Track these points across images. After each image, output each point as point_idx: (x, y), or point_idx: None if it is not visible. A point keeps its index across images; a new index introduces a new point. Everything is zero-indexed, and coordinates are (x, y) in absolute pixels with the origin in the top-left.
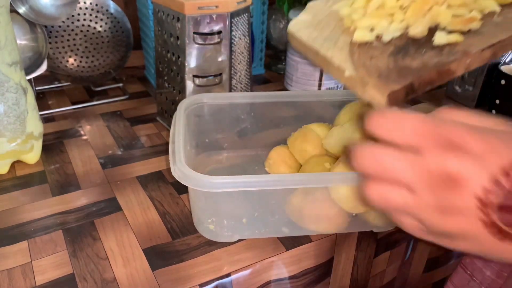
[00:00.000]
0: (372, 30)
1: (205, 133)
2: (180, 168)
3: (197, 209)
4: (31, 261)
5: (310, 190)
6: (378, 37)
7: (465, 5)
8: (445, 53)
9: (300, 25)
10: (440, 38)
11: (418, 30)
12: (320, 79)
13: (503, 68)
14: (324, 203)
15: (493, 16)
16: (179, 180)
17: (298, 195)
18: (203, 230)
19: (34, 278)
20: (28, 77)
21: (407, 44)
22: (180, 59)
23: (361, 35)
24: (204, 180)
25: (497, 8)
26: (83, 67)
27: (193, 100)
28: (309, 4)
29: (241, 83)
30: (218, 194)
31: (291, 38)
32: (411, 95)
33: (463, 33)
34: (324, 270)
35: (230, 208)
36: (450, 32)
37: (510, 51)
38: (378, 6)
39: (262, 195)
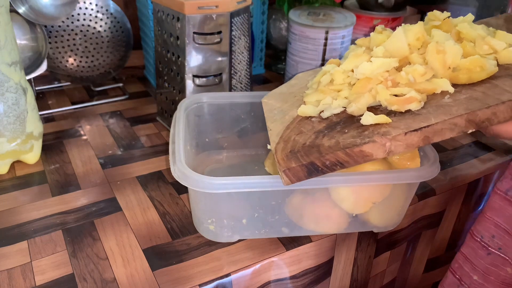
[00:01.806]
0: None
1: (205, 133)
2: (180, 168)
3: (197, 209)
4: (31, 261)
5: (310, 190)
6: (320, 113)
7: (410, 85)
8: (365, 134)
9: (271, 96)
10: (366, 118)
11: (353, 108)
12: None
13: None
14: (324, 203)
15: (445, 96)
16: (179, 181)
17: (298, 195)
18: (203, 230)
19: (34, 278)
20: (28, 77)
21: (339, 122)
22: (180, 59)
23: (304, 110)
24: (204, 181)
25: (451, 89)
26: (83, 67)
27: (193, 100)
28: (296, 75)
29: (241, 83)
30: (218, 195)
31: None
32: (317, 174)
33: (401, 113)
34: (324, 270)
35: (230, 208)
36: (390, 112)
37: (449, 137)
38: (328, 82)
39: (262, 196)
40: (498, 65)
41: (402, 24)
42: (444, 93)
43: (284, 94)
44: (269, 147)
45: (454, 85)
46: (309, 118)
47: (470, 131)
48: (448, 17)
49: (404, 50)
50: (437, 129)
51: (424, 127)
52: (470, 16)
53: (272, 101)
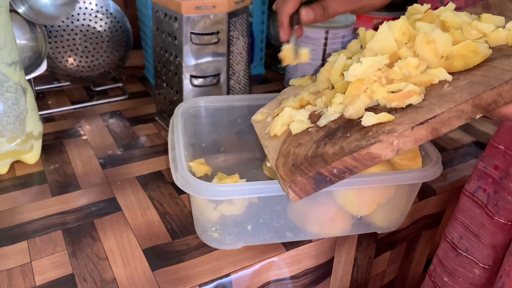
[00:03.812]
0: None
1: (201, 137)
2: (183, 176)
3: (200, 217)
4: (31, 261)
5: (314, 194)
6: (315, 121)
7: (406, 79)
8: (370, 135)
9: (260, 114)
10: (367, 118)
11: (350, 112)
12: None
13: None
14: (328, 206)
15: (443, 85)
16: (182, 189)
17: (302, 199)
18: (206, 238)
19: (34, 278)
20: (28, 77)
21: (339, 127)
22: (177, 59)
23: (297, 128)
24: (209, 188)
25: (448, 77)
26: (83, 67)
27: (190, 104)
28: (283, 90)
29: (240, 84)
30: (223, 202)
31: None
32: (325, 185)
33: (402, 109)
34: (324, 270)
35: (235, 215)
36: (390, 109)
37: (457, 127)
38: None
39: (268, 201)
40: (490, 47)
41: (384, 22)
42: (442, 82)
43: (274, 108)
44: (268, 164)
45: (450, 73)
46: (305, 129)
47: (477, 116)
48: (429, 9)
49: (392, 46)
50: (444, 118)
51: (430, 118)
52: (451, 5)
53: (262, 118)
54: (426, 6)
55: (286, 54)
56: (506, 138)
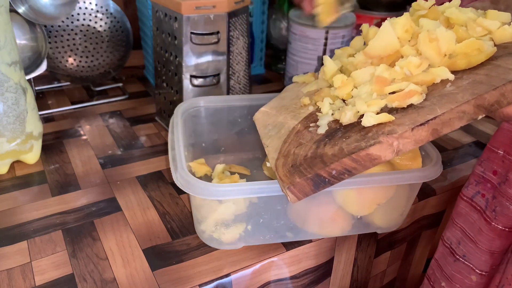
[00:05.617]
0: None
1: (202, 137)
2: (184, 176)
3: (200, 217)
4: (31, 261)
5: (314, 194)
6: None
7: (407, 79)
8: (369, 136)
9: (263, 112)
10: (367, 118)
11: (347, 117)
12: None
13: None
14: (328, 206)
15: (446, 84)
16: (182, 189)
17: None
18: (206, 238)
19: (34, 278)
20: (28, 77)
21: (339, 128)
22: (177, 59)
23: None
24: (209, 188)
25: (450, 76)
26: (83, 67)
27: (190, 104)
28: (286, 87)
29: (240, 84)
30: (223, 202)
31: (255, 122)
32: (324, 186)
33: (403, 109)
34: (324, 270)
35: (235, 215)
36: (391, 109)
37: (458, 128)
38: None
39: (268, 201)
40: (495, 45)
41: (387, 19)
42: (444, 82)
43: (276, 108)
44: (268, 164)
45: (453, 72)
46: (306, 128)
47: (480, 117)
48: (434, 4)
49: (395, 44)
50: (445, 119)
51: (431, 119)
52: (456, 1)
53: (264, 117)
54: (431, 2)
55: (325, 8)
56: (505, 143)
